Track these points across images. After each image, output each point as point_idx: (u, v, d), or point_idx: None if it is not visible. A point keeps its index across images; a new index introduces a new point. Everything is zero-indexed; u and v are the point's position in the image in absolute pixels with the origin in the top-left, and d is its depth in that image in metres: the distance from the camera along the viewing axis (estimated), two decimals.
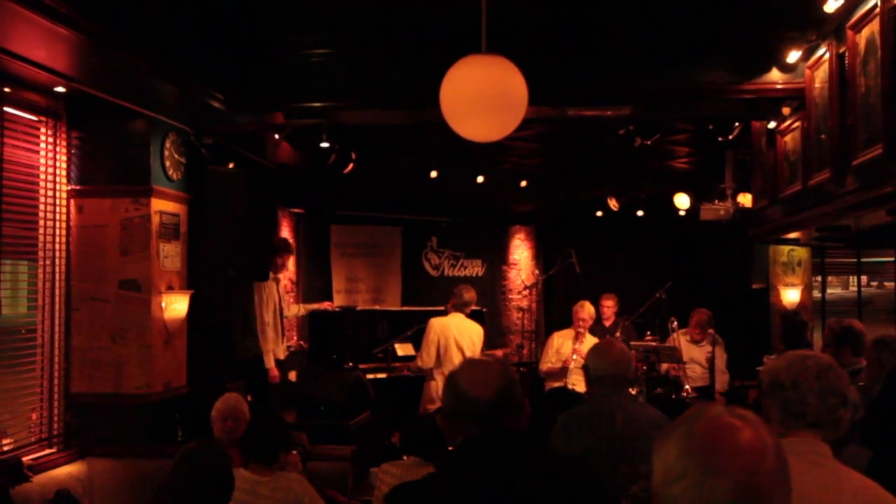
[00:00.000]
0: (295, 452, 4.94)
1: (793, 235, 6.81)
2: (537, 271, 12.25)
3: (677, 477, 1.36)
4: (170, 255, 5.99)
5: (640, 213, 12.33)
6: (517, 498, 2.01)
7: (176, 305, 5.99)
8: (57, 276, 5.64)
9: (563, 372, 7.92)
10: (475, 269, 13.20)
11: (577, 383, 7.64)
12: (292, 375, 8.04)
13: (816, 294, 11.53)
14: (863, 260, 12.01)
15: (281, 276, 7.77)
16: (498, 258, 13.54)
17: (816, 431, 2.18)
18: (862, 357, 4.85)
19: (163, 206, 5.91)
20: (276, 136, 7.27)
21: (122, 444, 5.70)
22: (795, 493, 1.43)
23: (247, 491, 3.91)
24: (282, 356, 7.58)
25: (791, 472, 1.40)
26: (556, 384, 8.02)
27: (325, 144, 6.55)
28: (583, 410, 3.62)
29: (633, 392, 6.12)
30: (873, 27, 4.23)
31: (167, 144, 5.94)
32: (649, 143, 6.88)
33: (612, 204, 11.89)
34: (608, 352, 3.63)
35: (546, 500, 2.03)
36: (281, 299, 7.60)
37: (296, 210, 10.35)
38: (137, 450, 5.67)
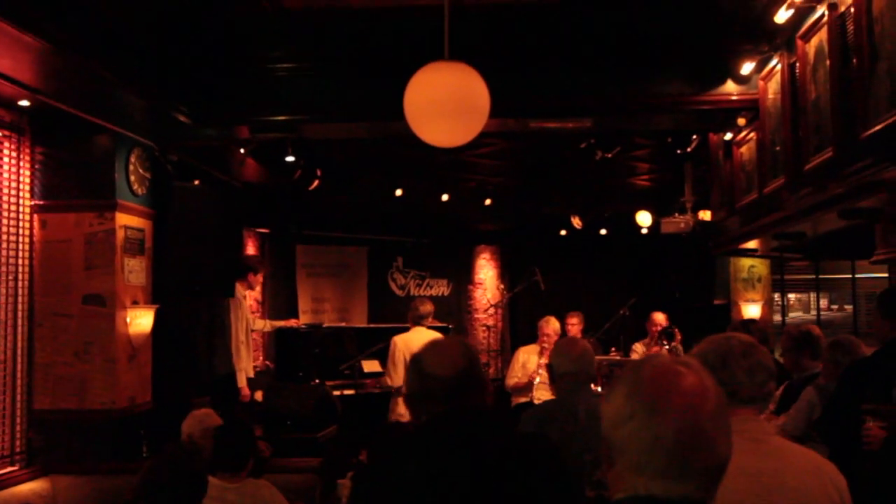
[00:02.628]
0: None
1: (751, 245, 6.95)
2: (502, 286, 12.32)
3: (625, 419, 1.44)
4: (135, 269, 5.98)
5: (603, 231, 12.50)
6: (481, 473, 2.05)
7: (141, 320, 5.97)
8: (20, 291, 5.59)
9: (528, 387, 7.96)
10: (441, 288, 13.27)
11: (543, 398, 7.68)
12: (258, 395, 8.00)
13: (777, 317, 11.77)
14: (821, 276, 12.27)
15: (247, 293, 7.77)
16: (463, 278, 13.62)
17: (751, 407, 2.26)
18: (819, 361, 4.95)
19: (128, 221, 5.91)
20: (242, 152, 7.29)
21: (86, 460, 5.63)
22: (741, 470, 1.49)
23: (215, 498, 3.89)
24: (251, 374, 7.55)
25: (735, 451, 1.47)
26: (523, 399, 8.07)
27: (290, 158, 6.58)
28: (547, 406, 3.68)
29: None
30: (822, 35, 4.39)
31: (132, 159, 5.94)
32: (610, 156, 7.01)
33: (576, 223, 12.04)
34: (571, 349, 3.69)
35: (509, 475, 2.08)
36: (248, 315, 7.60)
37: (261, 230, 10.34)
38: (102, 466, 5.59)
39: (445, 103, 3.88)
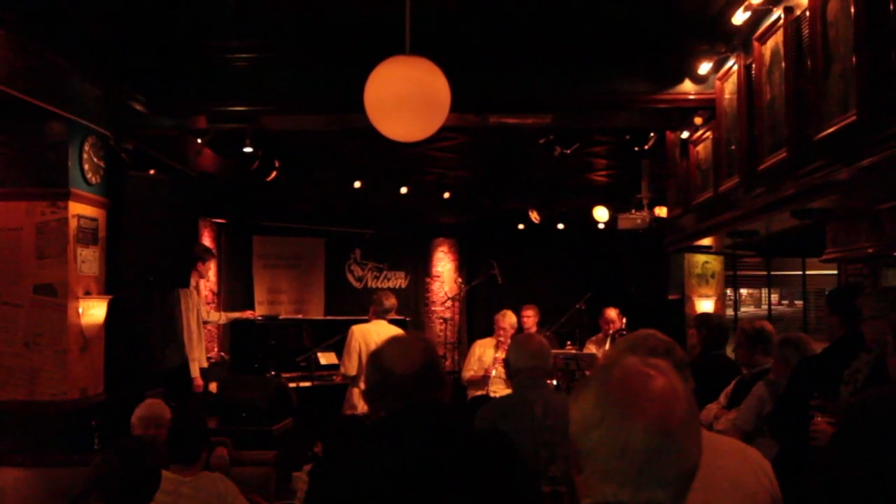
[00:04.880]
0: (223, 447, 4.93)
1: (705, 242, 7.05)
2: (460, 279, 12.35)
3: (595, 424, 1.40)
4: (87, 259, 5.88)
5: (560, 225, 12.59)
6: (438, 469, 2.06)
7: (93, 311, 5.89)
8: None
9: (484, 380, 7.99)
10: (398, 280, 13.28)
11: (499, 391, 7.72)
12: (213, 387, 7.94)
13: (730, 312, 11.96)
14: (773, 273, 12.49)
15: (200, 283, 7.70)
16: (421, 270, 13.64)
17: None
18: (771, 356, 5.03)
19: (81, 210, 5.81)
20: (199, 142, 7.20)
21: (37, 452, 5.54)
22: None
23: (170, 492, 3.85)
24: (205, 364, 7.50)
25: None
26: (479, 392, 8.10)
27: (248, 149, 6.50)
28: (504, 401, 3.70)
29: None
30: (777, 38, 4.47)
31: (86, 148, 5.84)
32: (569, 152, 7.06)
33: (534, 217, 12.10)
34: (527, 345, 3.72)
35: (466, 471, 2.09)
36: (200, 306, 7.54)
37: (217, 220, 10.24)
38: (52, 458, 5.51)
39: (406, 98, 3.88)
